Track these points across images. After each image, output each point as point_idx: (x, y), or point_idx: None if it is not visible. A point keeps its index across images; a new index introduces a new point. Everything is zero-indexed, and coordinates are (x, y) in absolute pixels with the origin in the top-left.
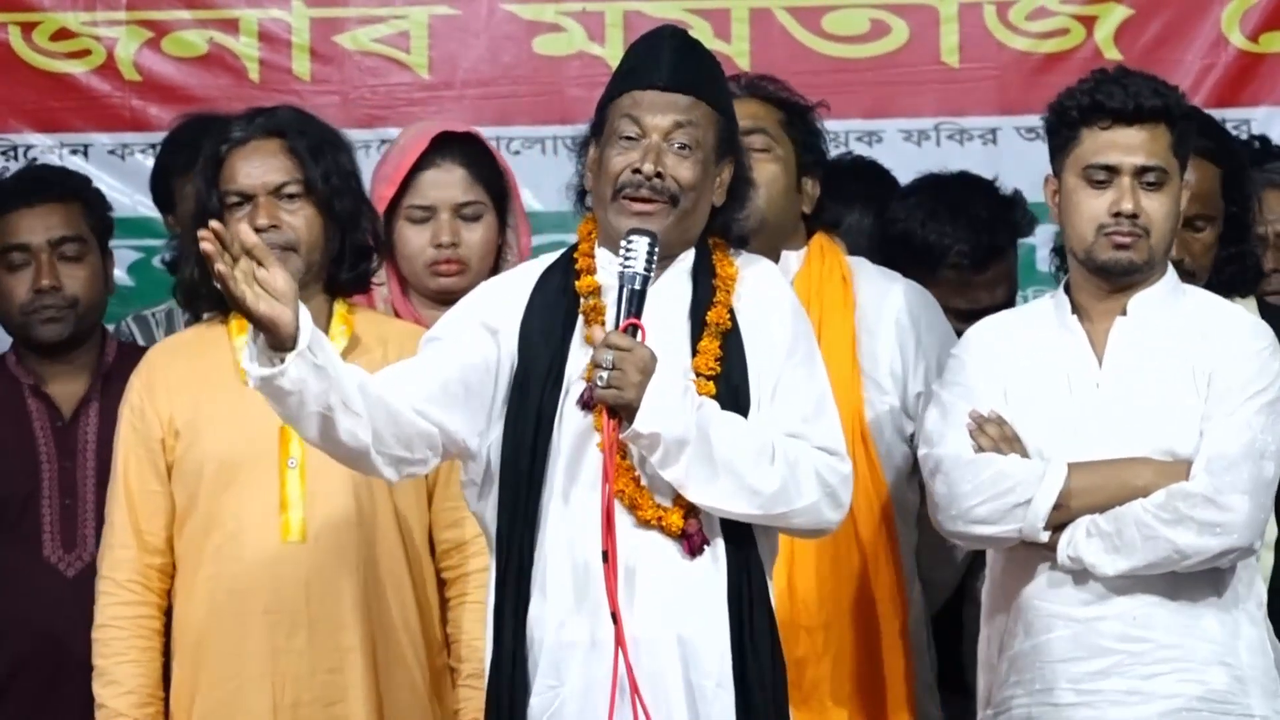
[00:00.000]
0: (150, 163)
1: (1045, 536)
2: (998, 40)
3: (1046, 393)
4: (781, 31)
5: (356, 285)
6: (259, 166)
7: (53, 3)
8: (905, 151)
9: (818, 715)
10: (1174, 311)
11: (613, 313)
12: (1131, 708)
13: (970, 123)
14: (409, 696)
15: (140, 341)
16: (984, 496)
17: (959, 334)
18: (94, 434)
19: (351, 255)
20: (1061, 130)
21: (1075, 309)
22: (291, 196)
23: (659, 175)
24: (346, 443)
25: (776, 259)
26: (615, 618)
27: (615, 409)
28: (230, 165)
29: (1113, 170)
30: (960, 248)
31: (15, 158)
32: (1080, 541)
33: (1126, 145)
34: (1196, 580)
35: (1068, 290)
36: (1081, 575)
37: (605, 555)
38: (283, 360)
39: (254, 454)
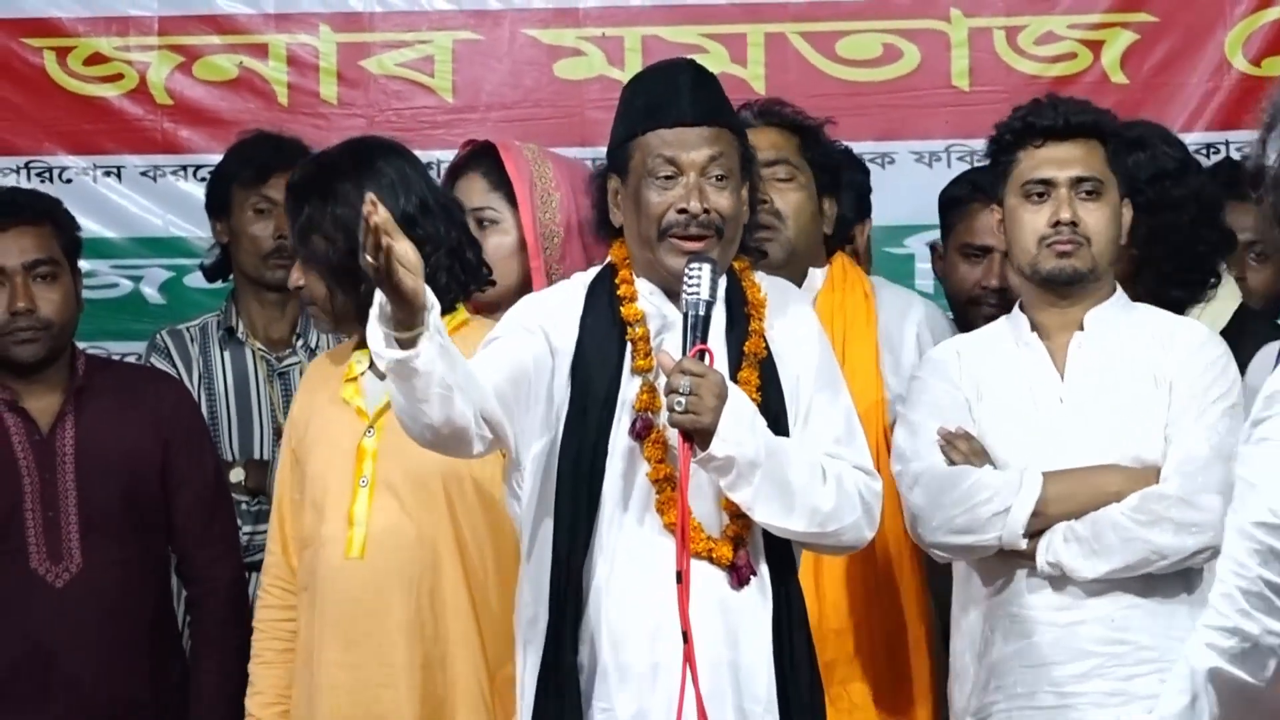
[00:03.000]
0: (182, 184)
1: (1024, 544)
2: (1007, 64)
3: (1011, 408)
4: (796, 56)
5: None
6: (286, 229)
7: (87, 29)
8: (917, 173)
9: (845, 717)
10: (1129, 325)
11: (656, 340)
12: (1113, 709)
13: (981, 144)
14: (467, 709)
15: (174, 354)
16: (963, 507)
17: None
18: (72, 446)
19: (369, 288)
20: (1000, 158)
21: (1034, 327)
22: (303, 258)
23: (705, 211)
24: (458, 421)
25: (802, 282)
26: (686, 636)
27: (690, 434)
28: None
29: (1049, 184)
30: (974, 185)
31: (50, 179)
32: (1058, 547)
33: (1060, 159)
34: (1169, 581)
35: (1023, 310)
36: (1059, 580)
37: (679, 575)
38: (412, 344)
39: (338, 471)
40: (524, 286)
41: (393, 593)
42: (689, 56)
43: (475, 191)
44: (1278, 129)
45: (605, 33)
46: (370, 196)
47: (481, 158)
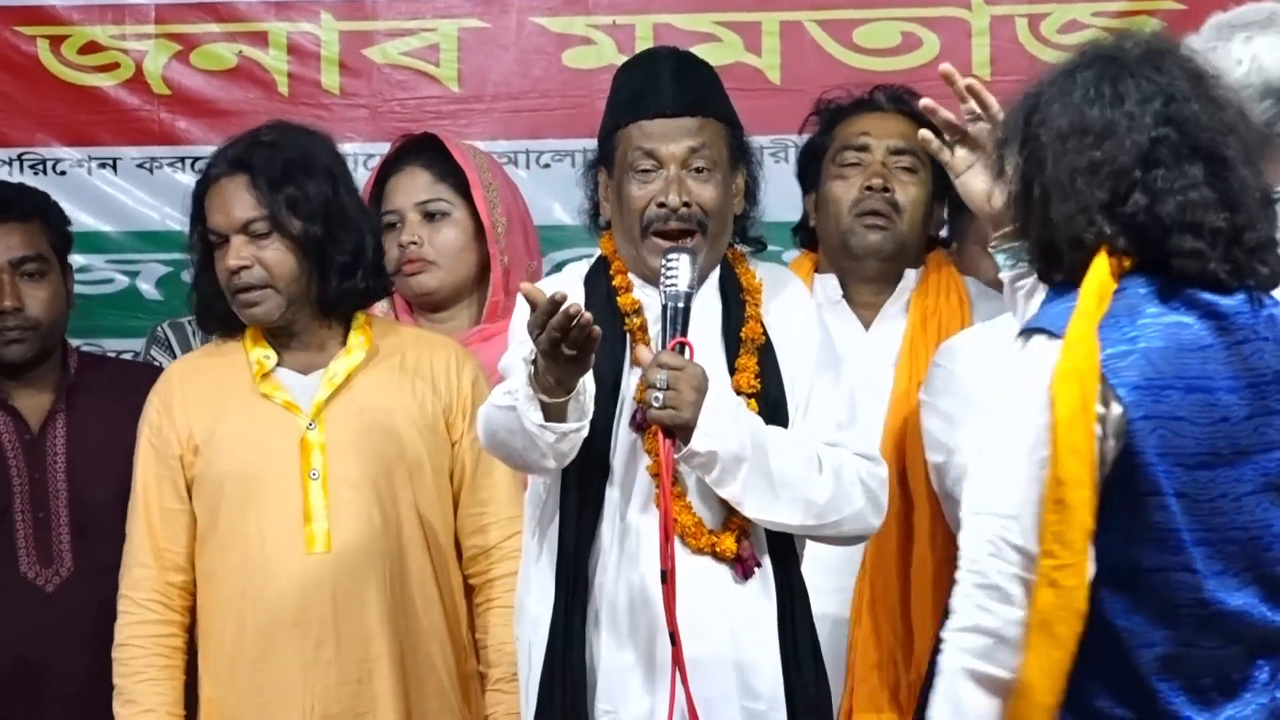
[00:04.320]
0: (179, 176)
1: None
2: (1029, 53)
3: None
4: (812, 45)
5: (348, 301)
6: (227, 205)
7: (81, 16)
8: (937, 164)
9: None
10: None
11: (654, 331)
12: None
13: None
14: (438, 704)
15: (176, 347)
16: None
17: None
18: (63, 446)
19: (337, 275)
20: None
21: None
22: (263, 233)
23: (685, 204)
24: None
25: (899, 279)
26: (674, 638)
27: (670, 429)
28: (208, 203)
29: None
30: None
31: (44, 171)
32: None
33: None
34: None
35: None
36: None
37: (664, 575)
38: (559, 410)
39: (275, 467)
40: (480, 277)
41: (368, 585)
42: (675, 45)
43: (419, 184)
44: (1011, 146)
45: (616, 21)
46: (563, 295)
47: (418, 152)
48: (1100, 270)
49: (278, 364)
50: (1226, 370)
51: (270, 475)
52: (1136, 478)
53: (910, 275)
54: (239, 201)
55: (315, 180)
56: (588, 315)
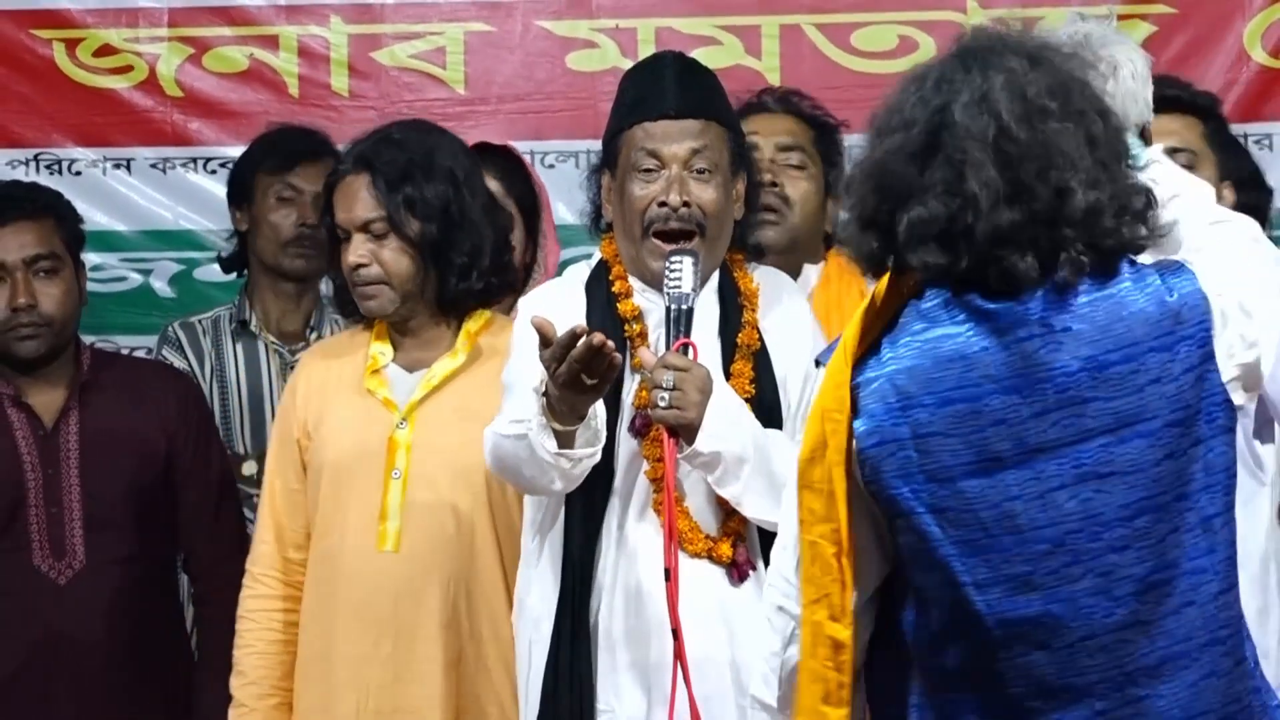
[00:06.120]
0: (192, 176)
1: None
2: None
3: None
4: (811, 48)
5: (465, 301)
6: (349, 203)
7: (96, 20)
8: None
9: None
10: None
11: (653, 336)
12: None
13: None
14: (495, 710)
15: (186, 347)
16: None
17: None
18: (76, 442)
19: (455, 275)
20: None
21: None
22: (381, 233)
23: (685, 205)
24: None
25: (798, 275)
26: (676, 634)
27: (674, 429)
28: (335, 199)
29: None
30: None
31: (59, 172)
32: None
33: (1161, 131)
34: None
35: None
36: None
37: (667, 573)
38: (578, 438)
39: (364, 462)
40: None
41: (430, 587)
42: (677, 49)
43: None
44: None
45: (618, 24)
46: (583, 328)
47: (486, 160)
48: (876, 291)
49: (392, 359)
50: (1003, 371)
51: (359, 469)
52: (883, 502)
53: (811, 271)
54: (360, 201)
55: (435, 182)
56: (611, 344)
